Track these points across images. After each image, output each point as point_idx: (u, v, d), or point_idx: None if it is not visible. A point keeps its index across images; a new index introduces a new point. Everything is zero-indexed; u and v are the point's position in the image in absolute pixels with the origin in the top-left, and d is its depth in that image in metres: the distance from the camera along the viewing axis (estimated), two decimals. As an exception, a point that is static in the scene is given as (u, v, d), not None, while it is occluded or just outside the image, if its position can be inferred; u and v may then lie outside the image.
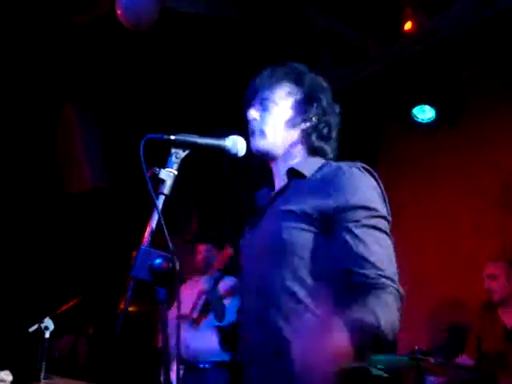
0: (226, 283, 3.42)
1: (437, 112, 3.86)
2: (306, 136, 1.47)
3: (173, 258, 1.04)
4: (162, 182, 1.12)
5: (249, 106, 1.51)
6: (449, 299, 3.77)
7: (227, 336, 3.36)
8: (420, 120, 3.91)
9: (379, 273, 1.22)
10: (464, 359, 3.10)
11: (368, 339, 1.14)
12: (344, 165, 1.37)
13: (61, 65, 3.75)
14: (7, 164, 4.07)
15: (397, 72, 3.82)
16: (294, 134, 1.47)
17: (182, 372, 3.36)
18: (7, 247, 3.98)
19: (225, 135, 1.29)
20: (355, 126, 4.17)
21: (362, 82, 3.94)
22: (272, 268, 1.31)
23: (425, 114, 3.91)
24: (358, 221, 1.26)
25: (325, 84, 1.54)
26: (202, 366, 3.33)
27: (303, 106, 1.47)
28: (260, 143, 1.46)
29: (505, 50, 3.54)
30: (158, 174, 1.12)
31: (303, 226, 1.30)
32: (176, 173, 1.15)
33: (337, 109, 1.53)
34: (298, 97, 1.48)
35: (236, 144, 1.30)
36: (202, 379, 3.33)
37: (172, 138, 1.17)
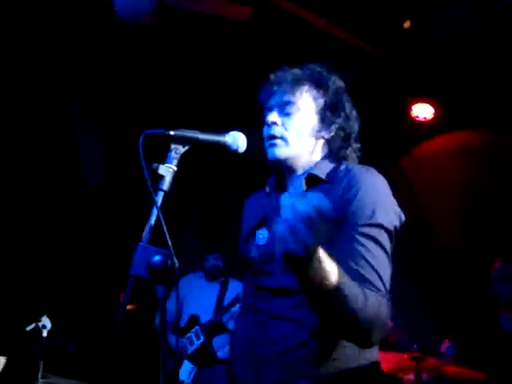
0: (234, 287, 3.56)
1: (437, 111, 3.85)
2: (328, 144, 1.43)
3: (172, 255, 1.02)
4: (161, 177, 1.11)
5: (268, 108, 1.43)
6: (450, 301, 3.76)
7: None
8: (419, 118, 3.91)
9: (375, 276, 1.24)
10: (446, 345, 3.04)
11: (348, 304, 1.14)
12: (358, 167, 1.37)
13: (61, 64, 3.74)
14: (6, 161, 4.05)
15: (395, 72, 3.82)
16: (317, 142, 1.43)
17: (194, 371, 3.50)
18: (4, 246, 3.97)
19: (226, 132, 1.28)
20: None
21: (360, 81, 3.93)
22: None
23: (425, 113, 3.91)
24: (354, 229, 1.27)
25: (344, 86, 1.48)
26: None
27: (328, 113, 1.41)
28: (282, 152, 1.39)
29: (503, 49, 3.53)
30: (157, 169, 1.11)
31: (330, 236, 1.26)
32: (175, 169, 1.13)
33: (356, 112, 1.48)
34: (322, 103, 1.42)
35: (236, 140, 1.28)
36: (214, 377, 3.43)
37: (171, 133, 1.15)
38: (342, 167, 1.39)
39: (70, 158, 4.23)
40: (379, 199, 1.31)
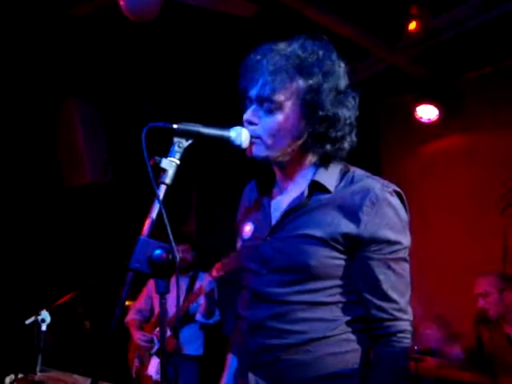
0: (204, 281, 3.46)
1: (440, 112, 3.84)
2: (315, 141, 1.28)
3: (173, 249, 1.01)
4: (164, 171, 1.09)
5: (248, 98, 1.32)
6: (450, 303, 3.75)
7: (211, 334, 3.50)
8: (424, 120, 3.90)
9: (395, 307, 1.29)
10: (455, 350, 3.03)
11: None
12: (376, 186, 1.26)
13: (62, 58, 3.73)
14: (6, 158, 4.04)
15: (401, 71, 3.80)
16: (301, 141, 1.29)
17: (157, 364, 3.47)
18: (4, 240, 3.96)
19: (230, 126, 1.26)
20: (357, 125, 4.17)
21: (364, 81, 3.91)
22: (289, 288, 1.27)
23: (429, 114, 3.90)
24: (383, 254, 1.27)
25: (339, 67, 1.29)
26: (175, 359, 3.44)
27: (310, 107, 1.25)
28: (261, 151, 1.29)
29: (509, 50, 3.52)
30: (160, 163, 1.09)
31: (332, 253, 1.26)
32: (178, 162, 1.12)
33: (352, 100, 1.30)
34: (305, 94, 1.25)
35: (240, 135, 1.26)
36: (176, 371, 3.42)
37: (174, 126, 1.13)
38: (353, 178, 1.30)
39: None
40: (402, 221, 1.30)
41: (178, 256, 3.58)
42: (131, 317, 3.75)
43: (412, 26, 3.42)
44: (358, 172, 1.33)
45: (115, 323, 1.00)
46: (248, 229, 1.42)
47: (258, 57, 1.29)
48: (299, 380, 1.25)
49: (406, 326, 1.30)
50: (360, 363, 1.28)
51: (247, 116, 1.30)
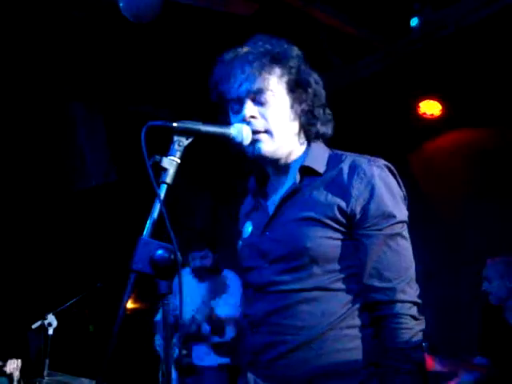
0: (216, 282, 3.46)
1: (445, 108, 3.81)
2: (307, 123, 1.32)
3: (175, 249, 0.99)
4: (165, 170, 1.08)
5: (236, 100, 1.30)
6: (457, 298, 3.73)
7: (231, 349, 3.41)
8: (427, 115, 3.88)
9: (393, 287, 1.23)
10: (479, 360, 3.04)
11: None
12: (364, 162, 1.28)
13: (65, 61, 3.73)
14: (12, 161, 4.05)
15: (403, 67, 3.78)
16: (296, 125, 1.33)
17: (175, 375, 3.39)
18: (11, 243, 3.97)
19: (230, 124, 1.25)
20: (361, 122, 4.16)
21: (367, 77, 3.90)
22: (290, 276, 1.25)
23: (433, 109, 3.88)
24: (377, 230, 1.24)
25: (300, 53, 1.35)
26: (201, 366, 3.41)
27: (297, 91, 1.30)
28: (268, 147, 1.28)
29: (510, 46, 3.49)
30: (160, 162, 1.08)
31: (329, 233, 1.24)
32: (179, 161, 1.10)
33: (319, 79, 1.36)
34: (289, 81, 1.30)
35: (241, 132, 1.25)
36: (202, 381, 3.38)
37: (174, 125, 1.11)
38: (342, 158, 1.31)
39: (69, 158, 4.22)
40: (394, 194, 1.28)
41: (198, 264, 3.48)
42: (159, 318, 3.68)
43: (414, 21, 3.41)
44: (345, 153, 1.35)
45: (118, 324, 0.99)
46: (247, 228, 1.42)
47: (230, 60, 1.31)
48: (301, 378, 1.23)
49: (405, 308, 1.23)
50: (364, 361, 1.25)
51: (247, 111, 1.28)
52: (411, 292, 1.26)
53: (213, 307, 3.37)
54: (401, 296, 1.23)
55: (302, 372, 1.23)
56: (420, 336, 1.23)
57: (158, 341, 3.60)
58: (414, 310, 1.24)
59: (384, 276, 1.23)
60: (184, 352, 3.40)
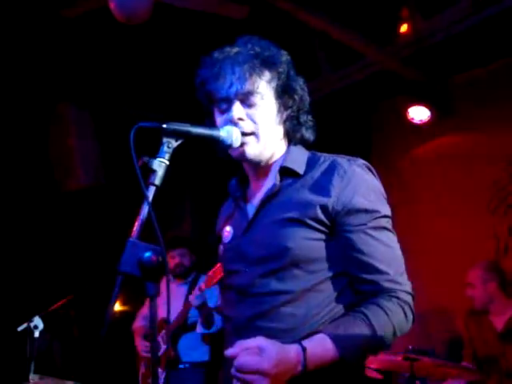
0: (192, 296, 3.33)
1: (432, 113, 3.86)
2: (291, 129, 1.34)
3: (163, 251, 0.99)
4: (153, 172, 1.07)
5: (224, 100, 1.29)
6: (443, 303, 3.76)
7: (215, 341, 3.41)
8: (416, 121, 3.91)
9: (386, 278, 1.23)
10: (465, 364, 3.08)
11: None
12: (343, 161, 1.29)
13: (55, 62, 3.71)
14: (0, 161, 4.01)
15: (393, 73, 3.81)
16: (281, 129, 1.34)
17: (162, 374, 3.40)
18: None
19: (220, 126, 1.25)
20: (349, 127, 4.19)
21: (357, 83, 3.93)
22: (272, 277, 1.24)
23: (421, 115, 3.91)
24: (362, 224, 1.24)
25: (288, 57, 1.35)
26: (182, 366, 3.42)
27: (284, 95, 1.31)
28: (254, 149, 1.28)
29: (499, 51, 3.55)
30: (149, 163, 1.07)
31: (310, 234, 1.23)
32: (168, 163, 1.10)
33: (304, 85, 1.37)
34: (277, 84, 1.30)
35: (231, 134, 1.24)
36: (183, 379, 3.38)
37: (164, 126, 1.11)
38: (321, 159, 1.32)
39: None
40: (375, 191, 1.29)
41: (175, 261, 3.44)
42: (137, 324, 3.64)
43: (403, 28, 3.45)
44: (324, 154, 1.36)
45: (105, 328, 0.98)
46: (228, 232, 1.41)
47: (220, 60, 1.29)
48: (288, 380, 1.20)
49: (403, 295, 1.23)
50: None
51: (235, 113, 1.27)
52: (406, 282, 1.26)
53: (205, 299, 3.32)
54: (396, 286, 1.23)
55: None
56: (411, 312, 1.24)
57: (142, 346, 3.53)
58: (409, 299, 1.24)
59: (375, 268, 1.22)
60: (165, 346, 3.38)
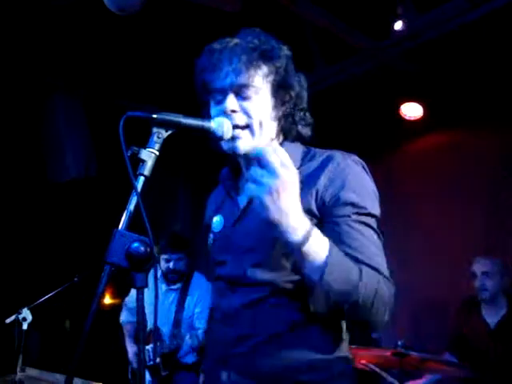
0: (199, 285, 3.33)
1: (426, 110, 3.86)
2: (286, 126, 1.32)
3: (151, 242, 0.98)
4: (143, 162, 1.06)
5: (220, 91, 1.27)
6: (433, 297, 3.78)
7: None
8: (409, 118, 3.92)
9: (369, 264, 1.19)
10: (447, 356, 3.10)
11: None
12: (338, 155, 1.28)
13: (46, 53, 3.66)
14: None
15: (387, 69, 3.81)
16: (275, 125, 1.32)
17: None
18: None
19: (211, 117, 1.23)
20: (344, 123, 4.18)
21: (351, 78, 3.92)
22: (262, 268, 1.24)
23: (414, 112, 3.92)
24: (346, 216, 1.22)
25: (288, 51, 1.33)
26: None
27: (280, 91, 1.29)
28: (247, 144, 1.27)
29: (495, 49, 3.55)
30: (138, 153, 1.06)
31: None
32: (157, 153, 1.08)
33: (304, 81, 1.35)
34: (274, 79, 1.28)
35: (222, 126, 1.23)
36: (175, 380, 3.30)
37: (154, 116, 1.09)
38: (317, 154, 1.31)
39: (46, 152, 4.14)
40: (366, 188, 1.28)
41: (169, 265, 3.31)
42: (124, 319, 3.55)
43: (397, 24, 3.44)
44: (319, 149, 1.35)
45: (91, 319, 0.97)
46: (217, 222, 1.40)
47: (218, 50, 1.28)
48: (274, 372, 1.22)
49: (386, 279, 1.18)
50: (335, 355, 1.25)
51: (228, 105, 1.26)
52: (387, 272, 1.21)
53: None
54: (378, 272, 1.18)
55: (274, 365, 1.22)
56: (390, 293, 1.18)
57: (131, 347, 3.46)
58: (391, 287, 1.19)
59: (358, 258, 1.18)
60: (158, 361, 3.20)
